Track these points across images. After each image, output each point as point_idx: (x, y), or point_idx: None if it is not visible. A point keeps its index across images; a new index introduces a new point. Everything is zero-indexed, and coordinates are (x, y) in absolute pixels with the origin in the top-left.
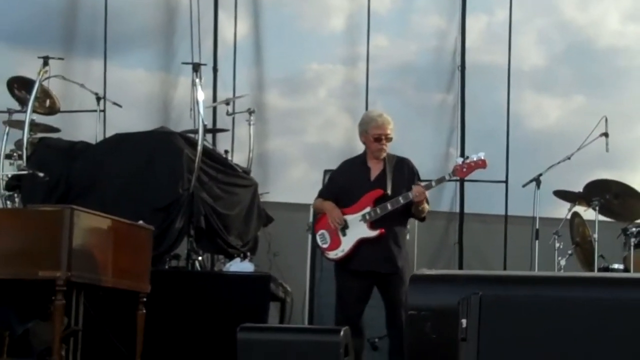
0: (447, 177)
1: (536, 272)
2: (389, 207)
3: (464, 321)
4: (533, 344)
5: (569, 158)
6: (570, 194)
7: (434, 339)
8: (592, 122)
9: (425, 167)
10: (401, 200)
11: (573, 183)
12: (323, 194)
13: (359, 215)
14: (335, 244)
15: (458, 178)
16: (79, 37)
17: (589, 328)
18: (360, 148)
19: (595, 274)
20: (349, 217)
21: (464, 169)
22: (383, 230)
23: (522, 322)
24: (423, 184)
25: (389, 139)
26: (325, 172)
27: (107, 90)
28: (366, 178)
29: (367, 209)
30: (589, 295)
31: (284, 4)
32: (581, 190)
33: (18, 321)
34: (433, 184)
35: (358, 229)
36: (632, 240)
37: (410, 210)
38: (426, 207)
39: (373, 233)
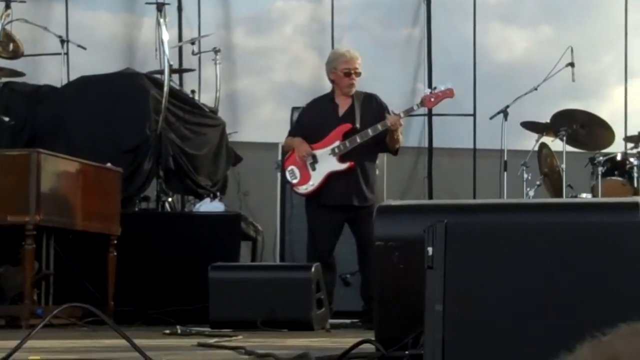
0: (416, 108)
1: (502, 200)
2: (358, 139)
3: (430, 249)
4: (500, 269)
5: (535, 89)
6: (538, 125)
7: (402, 269)
8: (558, 53)
9: (393, 102)
10: (370, 132)
11: (540, 114)
12: (292, 133)
13: (328, 149)
14: (305, 179)
15: (426, 108)
16: None
17: (555, 252)
18: (327, 86)
19: (561, 199)
20: (318, 152)
21: (432, 99)
22: (352, 163)
23: (489, 248)
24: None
25: (358, 74)
26: (294, 109)
27: (70, 32)
28: (335, 114)
29: (337, 143)
30: (554, 220)
31: None
32: (548, 121)
33: None
34: (402, 114)
35: (327, 163)
36: (600, 169)
37: (381, 144)
38: (401, 137)
39: (342, 166)
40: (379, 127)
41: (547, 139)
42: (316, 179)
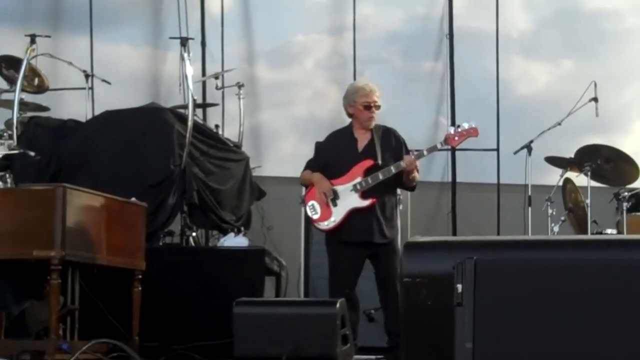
0: (439, 146)
1: (530, 236)
2: (381, 176)
3: (459, 286)
4: (529, 306)
5: (559, 124)
6: (562, 160)
7: (430, 306)
8: (581, 87)
9: (416, 136)
10: (393, 169)
11: (564, 149)
12: (311, 165)
13: (349, 185)
14: (326, 215)
15: (450, 147)
16: (64, 14)
17: (583, 289)
18: (348, 121)
19: (589, 236)
20: (339, 188)
21: (456, 138)
22: (374, 199)
23: (518, 285)
24: (415, 153)
25: (377, 107)
26: (316, 144)
27: (95, 67)
28: (354, 149)
29: (358, 179)
30: (582, 257)
31: None
32: (572, 156)
33: (14, 302)
34: (425, 152)
35: (349, 199)
36: (625, 204)
37: (399, 181)
38: (416, 176)
39: (364, 203)
40: (401, 164)
41: (571, 174)
42: (337, 215)
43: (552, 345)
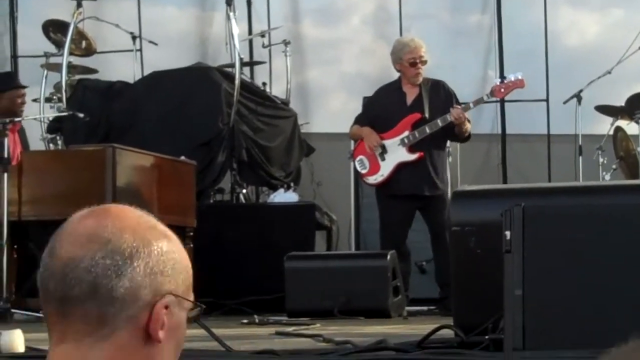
0: (486, 98)
1: (578, 182)
2: (428, 130)
3: (507, 233)
4: (578, 251)
5: (609, 72)
6: (612, 109)
7: (479, 254)
8: (630, 35)
9: (464, 90)
10: (439, 123)
11: (614, 97)
12: (359, 120)
13: (397, 139)
14: (375, 169)
15: (496, 98)
16: None
17: (632, 233)
18: (396, 75)
19: (638, 181)
20: (387, 142)
21: (502, 89)
22: (422, 153)
23: (566, 231)
24: (462, 105)
25: (423, 62)
26: (364, 99)
27: (141, 29)
28: (403, 103)
29: (406, 133)
30: (633, 202)
31: None
32: (623, 104)
33: None
34: (471, 105)
35: (397, 153)
36: None
37: (448, 133)
38: (468, 126)
39: (412, 156)
40: (447, 117)
41: (622, 123)
42: (386, 169)
43: (601, 290)
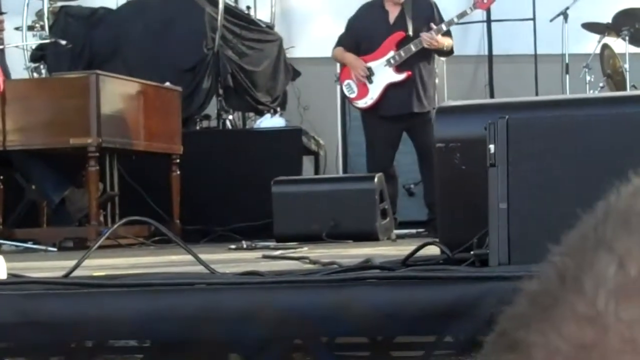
0: (469, 11)
1: (562, 95)
2: (413, 48)
3: (491, 147)
4: (563, 163)
5: None
6: (599, 26)
7: (464, 170)
8: None
9: (449, 6)
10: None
11: (601, 14)
12: (342, 42)
13: (383, 60)
14: (363, 93)
15: (481, 10)
16: None
17: (619, 144)
18: None
19: (625, 92)
20: (373, 64)
21: (485, 0)
22: (410, 72)
23: (552, 143)
24: (444, 21)
25: None
26: (348, 19)
27: None
28: (385, 21)
29: (391, 53)
30: (618, 112)
31: None
32: (610, 21)
33: (54, 190)
34: (455, 19)
35: (384, 75)
36: None
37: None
38: (444, 43)
39: (400, 76)
40: (432, 33)
41: (609, 40)
42: (374, 92)
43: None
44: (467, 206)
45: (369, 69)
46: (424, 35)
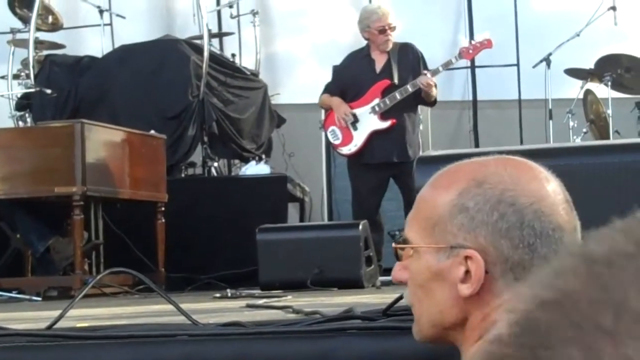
0: (454, 60)
1: (545, 144)
2: (398, 96)
3: None
4: None
5: (577, 35)
6: (582, 71)
7: None
8: None
9: (434, 55)
10: (410, 88)
11: (584, 60)
12: (329, 89)
13: (368, 107)
14: (348, 139)
15: (468, 63)
16: None
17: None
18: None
19: (607, 141)
20: (358, 111)
21: (470, 50)
22: (395, 120)
23: None
24: (429, 71)
25: (392, 29)
26: (334, 67)
27: (110, 2)
28: (372, 70)
29: (376, 101)
30: (601, 161)
31: None
32: (592, 67)
33: (39, 240)
34: (440, 68)
35: (369, 122)
36: None
37: (419, 98)
38: (434, 91)
39: (385, 124)
40: (418, 82)
41: (592, 85)
42: (359, 139)
43: None
44: None
45: (354, 115)
46: (422, 78)
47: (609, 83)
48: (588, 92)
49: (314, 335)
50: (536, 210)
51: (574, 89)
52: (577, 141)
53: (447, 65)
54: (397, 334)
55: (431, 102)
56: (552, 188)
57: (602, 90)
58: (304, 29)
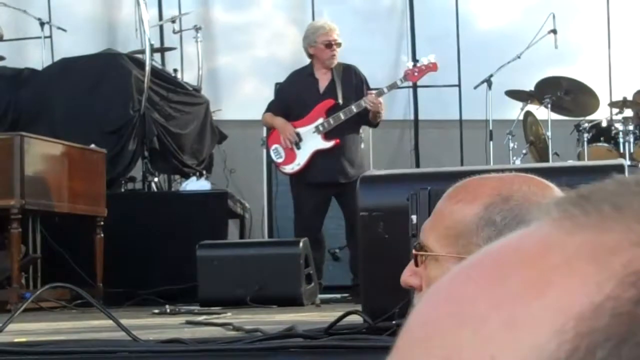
0: (399, 83)
1: (486, 166)
2: (342, 116)
3: (413, 217)
4: None
5: (518, 57)
6: (522, 93)
7: (387, 239)
8: (540, 19)
9: (377, 75)
10: (354, 109)
11: (524, 82)
12: (272, 108)
13: (311, 127)
14: (290, 158)
15: (410, 83)
16: None
17: None
18: (308, 60)
19: (548, 163)
20: (301, 130)
21: (415, 73)
22: (338, 140)
23: None
24: (374, 91)
25: (338, 45)
26: (276, 85)
27: (51, 15)
28: (315, 89)
29: (320, 120)
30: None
31: None
32: (532, 89)
33: None
34: (385, 90)
35: (312, 141)
36: (585, 136)
37: (363, 118)
38: (382, 112)
39: (328, 144)
40: (362, 103)
41: (532, 107)
42: (302, 158)
43: None
44: (390, 275)
45: (298, 134)
46: (370, 97)
47: (549, 105)
48: (528, 114)
49: (256, 353)
50: None
51: (514, 110)
52: (517, 162)
53: (392, 88)
54: (339, 352)
55: (376, 124)
56: None
57: (542, 112)
58: (246, 45)
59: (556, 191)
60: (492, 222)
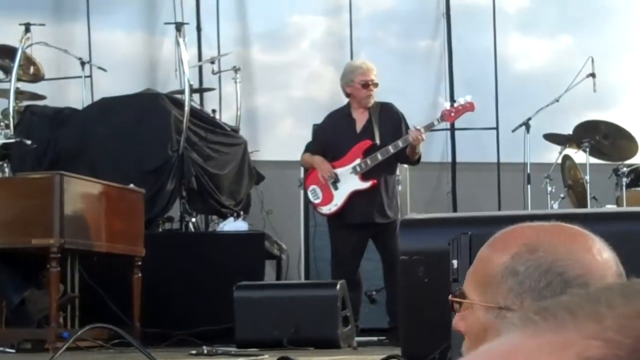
0: (436, 123)
1: (525, 211)
2: (379, 157)
3: (454, 262)
4: None
5: (557, 100)
6: (560, 137)
7: (427, 283)
8: (578, 61)
9: (414, 117)
10: (391, 149)
11: (562, 126)
12: (310, 148)
13: (349, 167)
14: (328, 199)
15: (448, 124)
16: (60, 1)
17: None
18: (345, 100)
19: (587, 209)
20: (339, 170)
21: (452, 113)
22: (375, 180)
23: None
24: (420, 127)
25: (375, 85)
26: (314, 126)
27: (91, 54)
28: (353, 130)
29: (357, 161)
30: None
31: None
32: (571, 132)
33: (14, 291)
34: (422, 130)
35: (350, 182)
36: (624, 180)
37: (400, 156)
38: (420, 148)
39: (365, 185)
40: (400, 143)
41: (570, 151)
42: (339, 198)
43: None
44: (430, 319)
45: (335, 174)
46: (413, 132)
47: (587, 149)
48: (566, 158)
49: None
50: (584, 282)
51: (552, 154)
52: (555, 206)
53: (429, 128)
54: None
55: (415, 160)
56: (604, 260)
57: (580, 156)
58: (284, 85)
59: (592, 243)
60: (515, 272)
